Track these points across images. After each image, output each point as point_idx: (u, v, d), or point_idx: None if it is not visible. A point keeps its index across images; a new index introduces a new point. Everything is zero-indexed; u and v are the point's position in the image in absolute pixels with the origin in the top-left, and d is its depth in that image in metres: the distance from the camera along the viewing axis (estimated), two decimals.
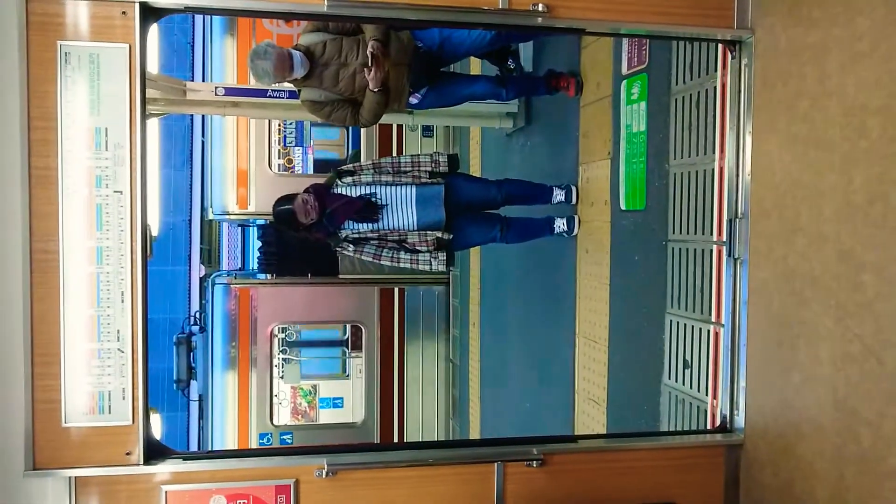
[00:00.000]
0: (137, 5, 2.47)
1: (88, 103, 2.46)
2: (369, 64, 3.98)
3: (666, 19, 2.85)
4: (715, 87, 3.36)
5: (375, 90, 4.11)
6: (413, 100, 4.49)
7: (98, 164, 2.48)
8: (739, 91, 2.96)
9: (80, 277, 2.48)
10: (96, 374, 2.51)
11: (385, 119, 7.21)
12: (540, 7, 2.71)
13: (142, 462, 2.55)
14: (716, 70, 3.33)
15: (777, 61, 2.75)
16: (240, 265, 11.66)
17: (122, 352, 2.52)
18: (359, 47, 4.08)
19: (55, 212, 2.45)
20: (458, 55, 4.63)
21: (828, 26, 2.48)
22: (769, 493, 2.80)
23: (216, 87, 5.69)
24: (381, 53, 4.01)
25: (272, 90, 5.89)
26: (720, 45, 3.08)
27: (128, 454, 2.55)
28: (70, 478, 2.52)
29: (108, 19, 2.47)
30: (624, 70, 4.35)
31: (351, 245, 4.31)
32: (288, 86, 4.91)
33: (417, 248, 4.30)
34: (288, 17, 3.53)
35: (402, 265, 4.35)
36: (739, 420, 2.97)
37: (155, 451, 2.61)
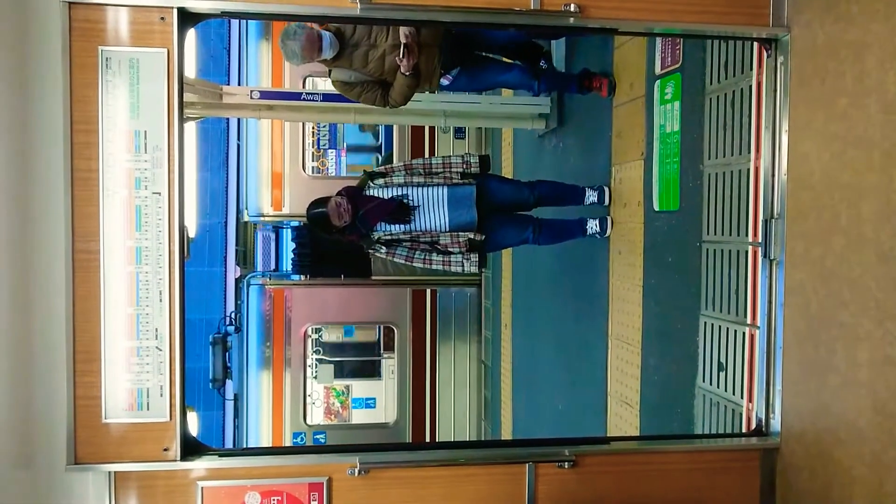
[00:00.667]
0: (175, 11, 2.53)
1: (128, 107, 2.52)
2: (401, 51, 4.00)
3: (700, 18, 2.82)
4: (750, 86, 3.31)
5: (406, 74, 4.14)
6: (444, 81, 4.51)
7: (137, 167, 2.53)
8: (775, 89, 2.91)
9: (120, 277, 2.54)
10: (135, 372, 2.57)
11: (417, 121, 7.27)
12: (572, 7, 2.71)
13: (179, 458, 2.61)
14: (751, 69, 3.28)
15: (814, 59, 2.71)
16: (274, 267, 11.80)
17: (161, 350, 2.58)
18: (388, 29, 4.11)
19: (96, 213, 2.52)
20: (489, 38, 4.63)
21: (866, 22, 2.43)
22: (806, 498, 2.75)
23: (251, 91, 5.78)
24: (412, 40, 4.03)
25: (306, 93, 5.96)
26: (755, 44, 3.04)
27: (165, 450, 2.61)
28: (110, 472, 2.58)
29: (147, 25, 2.53)
30: (657, 70, 4.31)
31: (383, 247, 4.34)
32: (322, 88, 4.96)
33: (450, 249, 4.31)
34: (321, 20, 3.56)
35: (434, 267, 4.36)
36: (775, 423, 2.93)
37: (191, 448, 2.66)
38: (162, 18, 2.53)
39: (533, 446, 2.94)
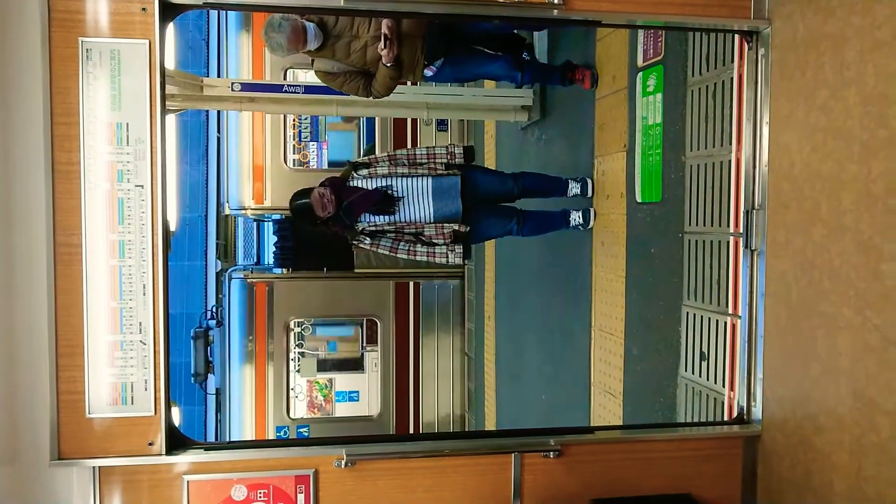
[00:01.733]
0: (157, 2, 2.50)
1: (110, 98, 2.49)
2: (382, 42, 3.99)
3: (682, 10, 2.84)
4: (731, 78, 3.34)
5: (388, 65, 4.13)
6: (428, 72, 4.51)
7: (119, 159, 2.51)
8: (756, 82, 2.94)
9: (102, 270, 2.51)
10: (119, 366, 2.55)
11: (400, 113, 7.25)
12: None
13: (164, 452, 2.59)
14: (732, 61, 3.31)
15: (795, 51, 2.74)
16: (255, 260, 11.73)
17: (145, 343, 2.56)
18: (370, 20, 4.09)
19: (78, 206, 2.49)
20: (472, 29, 4.63)
21: (846, 15, 2.46)
22: (787, 484, 2.80)
23: (232, 83, 5.73)
24: (393, 31, 4.02)
25: (287, 85, 5.92)
26: (737, 36, 3.07)
27: (150, 444, 2.59)
28: (94, 467, 2.56)
29: (128, 16, 2.50)
30: (640, 62, 4.34)
31: (368, 238, 4.33)
32: (303, 80, 4.93)
33: (434, 240, 4.31)
34: (305, 11, 3.54)
35: (418, 258, 4.36)
36: (757, 411, 2.97)
37: (177, 442, 2.64)
38: (143, 9, 2.50)
39: (518, 436, 2.95)
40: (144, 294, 2.55)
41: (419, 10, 2.75)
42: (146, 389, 2.57)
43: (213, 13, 9.48)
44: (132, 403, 2.57)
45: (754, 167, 2.96)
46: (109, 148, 2.50)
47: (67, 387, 2.52)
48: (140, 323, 2.55)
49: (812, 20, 2.64)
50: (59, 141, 2.47)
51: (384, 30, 3.99)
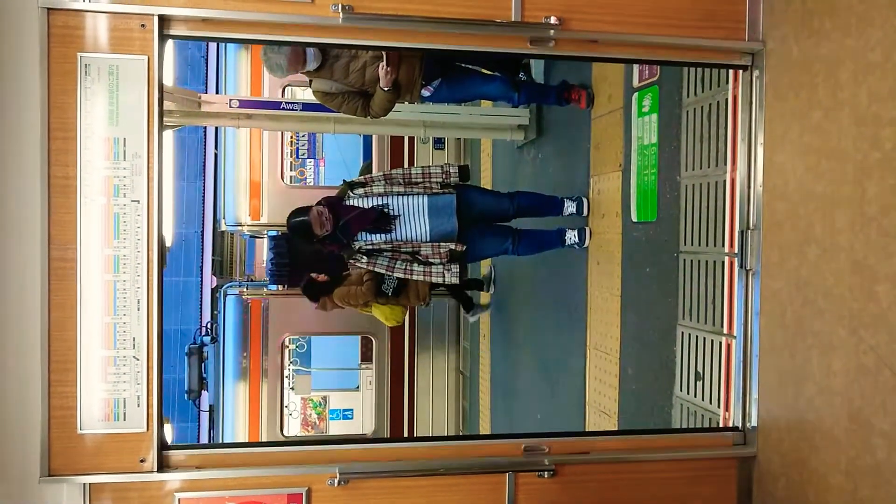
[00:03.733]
0: (156, 18, 2.52)
1: (107, 114, 2.50)
2: (385, 61, 4.02)
3: (678, 31, 2.86)
4: (726, 99, 3.37)
5: (385, 89, 4.16)
6: (425, 92, 4.54)
7: (116, 174, 2.51)
8: (751, 102, 2.96)
9: (97, 285, 2.51)
10: (112, 382, 2.53)
11: (397, 131, 7.27)
12: (552, 20, 2.74)
13: (155, 469, 2.57)
14: (727, 82, 3.34)
15: (789, 72, 2.76)
16: (251, 276, 11.71)
17: (138, 359, 2.55)
18: None
19: (73, 220, 2.49)
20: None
21: (840, 37, 2.49)
22: None
23: (230, 100, 5.76)
24: (394, 54, 4.05)
25: (285, 103, 5.95)
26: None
27: (142, 461, 2.57)
28: (85, 484, 2.54)
29: (127, 32, 2.52)
30: (635, 82, 4.37)
31: (364, 256, 4.33)
32: (301, 98, 4.96)
33: (430, 259, 4.32)
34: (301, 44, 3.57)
35: (415, 277, 4.36)
36: (752, 432, 2.96)
37: (169, 458, 2.62)
38: (142, 25, 2.51)
39: (517, 438, 2.91)
40: (139, 309, 2.54)
41: (416, 28, 2.75)
42: (139, 405, 2.55)
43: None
44: (124, 419, 2.55)
45: (749, 187, 2.98)
46: (106, 163, 2.50)
47: (59, 402, 2.51)
48: (134, 338, 2.54)
49: (806, 42, 2.67)
50: (55, 155, 2.47)
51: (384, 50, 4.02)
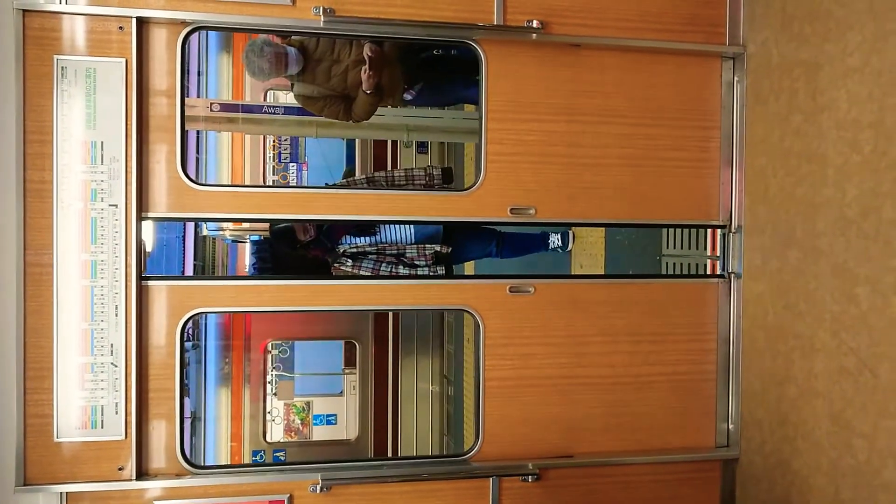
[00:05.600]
0: (134, 20, 2.48)
1: (85, 117, 2.47)
2: (367, 66, 4.00)
3: (660, 35, 2.88)
4: None
5: (368, 92, 4.14)
6: (408, 96, 4.53)
7: (93, 178, 2.47)
8: (732, 106, 2.98)
9: (73, 291, 2.47)
10: (89, 389, 2.49)
11: (380, 135, 7.24)
12: (535, 23, 2.74)
13: (134, 477, 2.53)
14: None
15: (769, 76, 2.78)
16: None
17: (116, 366, 2.51)
18: (351, 45, 4.10)
19: (50, 225, 2.45)
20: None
21: (819, 42, 2.51)
22: None
23: (211, 104, 5.70)
24: (377, 56, 4.03)
25: (267, 106, 5.90)
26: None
27: (120, 469, 2.53)
28: (62, 493, 2.50)
29: (105, 34, 2.48)
30: None
31: (349, 260, 4.31)
32: (283, 100, 4.93)
33: (416, 262, 4.30)
34: (284, 33, 3.54)
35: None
36: (735, 435, 2.96)
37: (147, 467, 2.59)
38: (120, 28, 2.48)
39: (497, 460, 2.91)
40: (116, 315, 2.50)
41: (397, 32, 2.76)
42: (116, 413, 2.51)
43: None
44: (102, 427, 2.51)
45: (730, 190, 2.99)
46: (83, 167, 2.47)
47: (35, 410, 2.46)
48: (112, 344, 2.50)
49: (786, 47, 2.68)
50: (31, 159, 2.43)
51: (367, 52, 4.00)
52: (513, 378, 2.85)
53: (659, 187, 2.93)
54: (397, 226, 4.27)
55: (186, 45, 2.62)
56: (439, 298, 2.83)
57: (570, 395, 2.89)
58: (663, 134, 2.93)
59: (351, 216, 2.74)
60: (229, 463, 8.37)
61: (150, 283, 2.58)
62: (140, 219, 2.53)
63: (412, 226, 4.27)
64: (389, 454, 8.74)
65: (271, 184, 8.81)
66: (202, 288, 2.65)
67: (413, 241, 4.29)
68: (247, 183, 8.39)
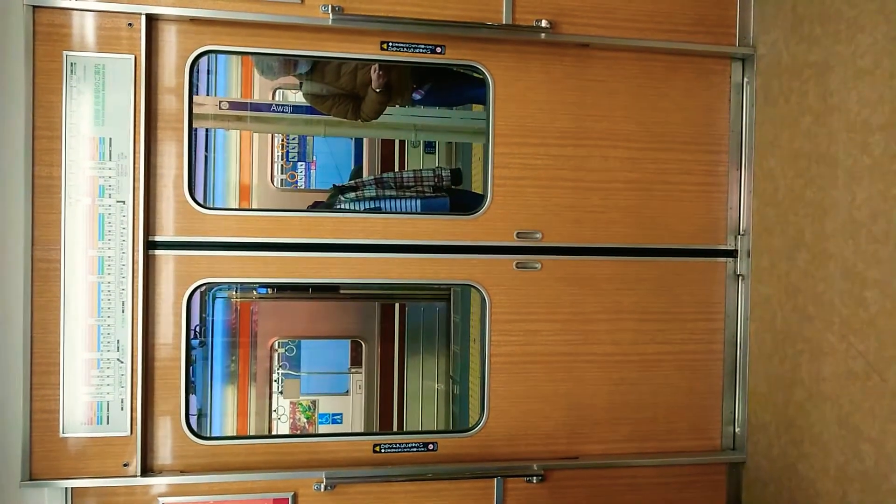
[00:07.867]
0: (144, 17, 2.49)
1: (93, 113, 2.47)
2: (376, 65, 4.01)
3: (669, 36, 2.87)
4: None
5: (377, 90, 4.14)
6: (416, 96, 4.53)
7: (101, 174, 2.48)
8: (741, 107, 2.96)
9: (81, 287, 2.48)
10: (95, 384, 2.50)
11: (388, 135, 7.24)
12: (543, 23, 2.73)
13: (139, 474, 2.54)
14: None
15: (779, 78, 2.76)
16: None
17: (122, 362, 2.51)
18: None
19: (57, 221, 2.46)
20: None
21: (830, 43, 2.49)
22: None
23: (220, 102, 5.71)
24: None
25: (276, 105, 5.91)
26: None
27: (125, 465, 2.54)
28: (67, 489, 2.50)
29: (114, 30, 2.49)
30: None
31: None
32: (292, 100, 4.94)
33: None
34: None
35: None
36: (741, 438, 2.95)
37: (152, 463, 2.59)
38: (130, 24, 2.49)
39: (501, 461, 2.91)
40: (123, 311, 2.51)
41: (406, 30, 2.75)
42: (122, 409, 2.52)
43: None
44: (108, 423, 2.51)
45: (739, 192, 2.98)
46: (91, 163, 2.47)
47: (41, 405, 2.47)
48: (118, 341, 2.51)
49: (796, 48, 2.67)
50: (40, 155, 2.44)
51: None
52: (518, 354, 2.86)
53: (666, 212, 2.93)
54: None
55: (196, 66, 2.63)
56: (447, 273, 2.82)
57: (576, 373, 2.88)
58: (671, 158, 2.93)
59: (357, 240, 2.74)
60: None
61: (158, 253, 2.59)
62: (147, 215, 2.54)
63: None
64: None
65: (279, 184, 8.82)
66: (207, 258, 2.64)
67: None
68: (254, 183, 8.41)
